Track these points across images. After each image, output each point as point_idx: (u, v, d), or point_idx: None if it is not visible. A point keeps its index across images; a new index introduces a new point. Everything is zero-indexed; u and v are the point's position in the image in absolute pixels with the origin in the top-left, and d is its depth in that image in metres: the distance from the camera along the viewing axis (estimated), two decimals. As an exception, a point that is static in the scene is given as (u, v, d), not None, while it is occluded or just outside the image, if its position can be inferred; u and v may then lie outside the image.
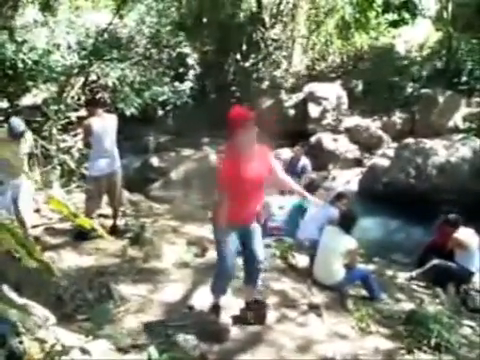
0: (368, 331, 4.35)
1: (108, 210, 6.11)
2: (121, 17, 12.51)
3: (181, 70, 13.35)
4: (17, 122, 5.01)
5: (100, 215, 6.20)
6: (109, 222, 5.99)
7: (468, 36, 12.85)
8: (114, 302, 4.23)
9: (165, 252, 5.47)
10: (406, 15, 15.03)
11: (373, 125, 12.19)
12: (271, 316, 4.28)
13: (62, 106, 8.71)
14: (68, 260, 5.10)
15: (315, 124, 12.19)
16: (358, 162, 11.49)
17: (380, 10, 14.44)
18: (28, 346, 2.52)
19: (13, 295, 3.01)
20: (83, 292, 4.24)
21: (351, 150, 11.64)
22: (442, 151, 9.75)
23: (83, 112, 7.78)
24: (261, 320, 4.15)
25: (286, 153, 10.36)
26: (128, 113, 9.18)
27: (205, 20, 14.08)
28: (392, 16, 14.91)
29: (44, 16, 10.22)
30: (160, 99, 11.04)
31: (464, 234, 6.02)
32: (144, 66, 12.08)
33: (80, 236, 5.47)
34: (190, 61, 13.69)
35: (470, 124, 11.41)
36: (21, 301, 2.99)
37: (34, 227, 5.69)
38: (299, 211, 6.56)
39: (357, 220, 5.42)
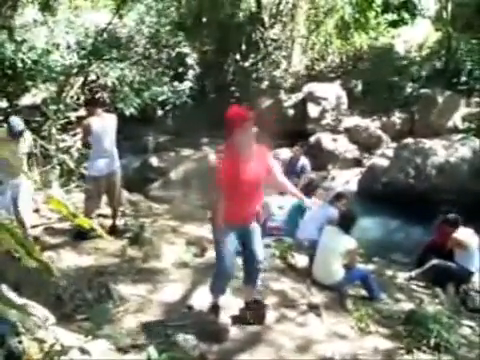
0: (367, 331, 4.35)
1: (107, 210, 6.11)
2: (120, 17, 12.49)
3: (180, 70, 13.32)
4: (16, 121, 5.00)
5: (99, 215, 6.20)
6: (108, 222, 5.99)
7: (467, 36, 12.83)
8: (113, 302, 4.23)
9: (164, 252, 5.46)
10: (405, 15, 15.09)
11: (372, 125, 12.17)
12: (270, 316, 4.28)
13: (61, 106, 8.70)
14: (67, 260, 5.10)
15: (314, 124, 12.17)
16: (357, 162, 11.47)
17: (379, 10, 14.41)
18: (27, 346, 2.52)
19: (12, 295, 3.00)
20: (82, 292, 4.23)
21: (350, 150, 11.62)
22: (441, 151, 9.75)
23: (82, 112, 7.77)
24: (260, 320, 4.15)
25: (285, 153, 10.33)
26: (127, 113, 9.17)
27: (204, 20, 14.03)
28: (391, 16, 14.94)
29: (43, 16, 10.24)
30: (159, 99, 11.05)
31: (463, 234, 6.02)
32: (143, 66, 12.08)
33: (79, 236, 5.47)
34: (189, 61, 13.65)
35: (469, 124, 11.40)
36: (20, 301, 2.98)
37: (33, 227, 5.68)
38: (299, 211, 6.56)
39: (356, 220, 5.43)
